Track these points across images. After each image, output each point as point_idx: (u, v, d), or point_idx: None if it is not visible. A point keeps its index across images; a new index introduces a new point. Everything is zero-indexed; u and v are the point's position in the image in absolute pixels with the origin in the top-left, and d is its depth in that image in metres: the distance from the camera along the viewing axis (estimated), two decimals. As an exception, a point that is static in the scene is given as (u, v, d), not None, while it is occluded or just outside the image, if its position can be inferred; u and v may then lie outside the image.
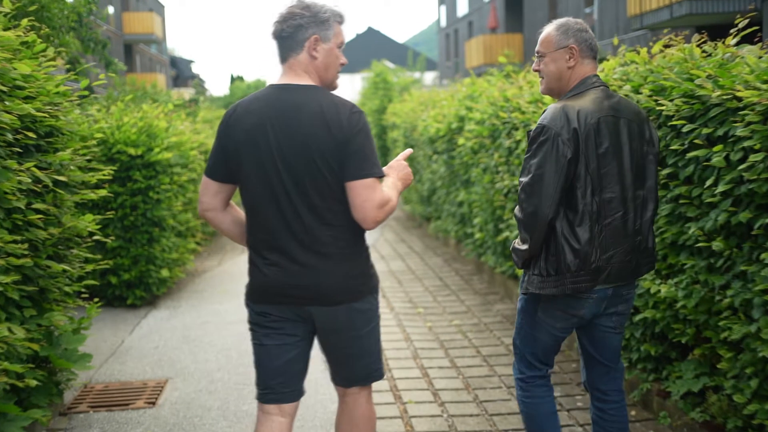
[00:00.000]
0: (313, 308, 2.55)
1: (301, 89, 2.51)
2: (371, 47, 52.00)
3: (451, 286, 7.19)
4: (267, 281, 2.55)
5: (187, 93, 28.88)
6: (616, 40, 4.77)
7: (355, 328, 2.59)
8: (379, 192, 2.47)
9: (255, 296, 2.61)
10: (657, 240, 3.55)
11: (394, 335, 5.62)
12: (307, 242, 2.49)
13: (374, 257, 8.88)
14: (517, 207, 2.75)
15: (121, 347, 5.48)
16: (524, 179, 2.70)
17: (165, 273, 6.57)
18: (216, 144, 2.62)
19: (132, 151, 6.26)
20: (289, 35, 2.52)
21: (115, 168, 6.29)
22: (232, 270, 8.45)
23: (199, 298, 7.02)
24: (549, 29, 2.87)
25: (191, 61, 64.72)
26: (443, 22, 39.27)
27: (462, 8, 35.27)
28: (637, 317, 3.85)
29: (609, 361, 2.96)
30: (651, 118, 3.52)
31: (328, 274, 2.50)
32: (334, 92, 2.63)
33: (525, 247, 2.74)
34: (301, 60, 2.53)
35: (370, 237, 10.75)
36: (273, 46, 2.59)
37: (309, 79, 2.54)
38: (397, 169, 2.69)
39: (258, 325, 2.64)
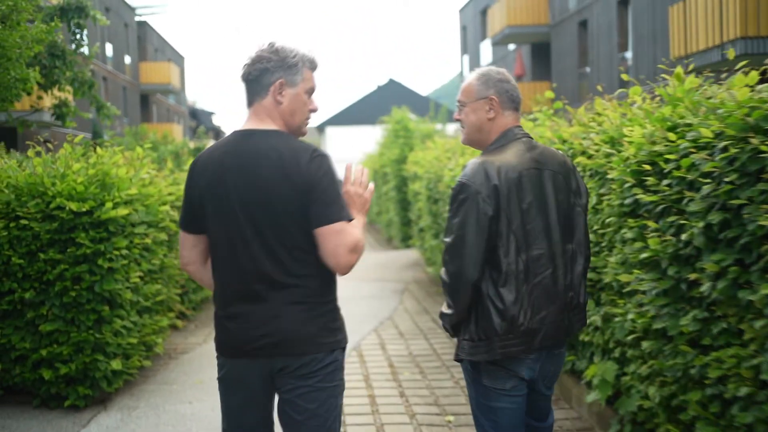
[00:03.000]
0: (278, 360, 2.45)
1: (263, 135, 2.46)
2: (392, 99, 50.88)
3: (489, 380, 5.58)
4: (232, 334, 2.48)
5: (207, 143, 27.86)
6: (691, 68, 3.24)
7: (318, 381, 2.47)
8: (350, 235, 2.39)
9: (224, 350, 2.53)
10: None
11: (415, 463, 4.03)
12: (272, 292, 2.42)
13: (392, 334, 7.30)
14: (443, 269, 2.65)
15: (34, 479, 3.93)
16: (447, 240, 2.62)
17: (117, 365, 5.03)
18: (184, 195, 2.58)
19: (74, 206, 4.79)
20: (255, 78, 2.48)
21: (52, 228, 4.86)
22: (218, 350, 6.89)
23: (165, 393, 5.47)
24: (470, 78, 2.82)
25: (212, 113, 64.23)
26: (466, 72, 38.23)
27: (486, 57, 34.22)
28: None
29: (539, 421, 2.88)
30: None
31: (293, 324, 2.42)
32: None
33: (451, 311, 2.67)
34: (266, 105, 2.49)
35: (387, 307, 9.27)
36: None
37: (273, 125, 2.49)
38: (349, 202, 2.56)
39: (225, 380, 2.56)
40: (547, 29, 25.89)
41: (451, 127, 36.24)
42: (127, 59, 34.86)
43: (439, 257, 9.73)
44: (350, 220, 2.42)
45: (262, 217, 2.38)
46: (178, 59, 46.43)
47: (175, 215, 6.51)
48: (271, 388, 2.53)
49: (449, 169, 8.05)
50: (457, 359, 2.71)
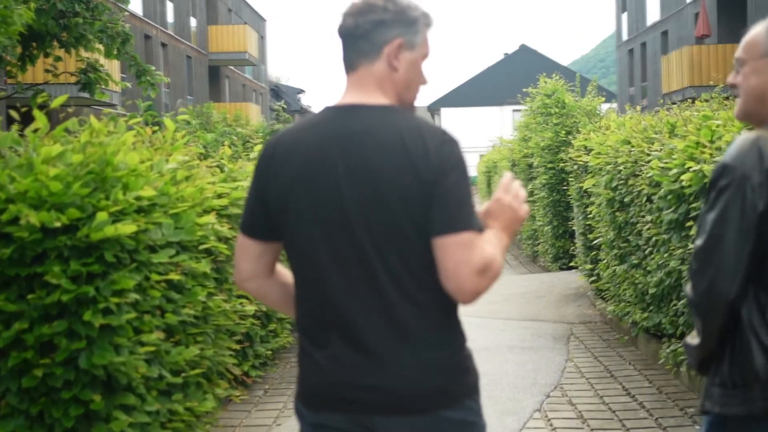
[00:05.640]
0: (384, 419, 2.24)
1: (373, 111, 2.31)
2: (524, 71, 49.74)
3: None
4: (322, 378, 2.29)
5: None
6: None
7: None
8: (480, 251, 2.19)
9: (309, 400, 2.35)
10: None
11: None
12: (383, 322, 2.23)
13: (567, 418, 5.85)
14: (689, 284, 2.46)
15: None
16: (698, 242, 2.42)
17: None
18: (253, 189, 2.39)
19: (41, 218, 3.40)
20: (364, 34, 2.32)
21: (4, 256, 3.49)
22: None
23: None
24: (758, 28, 2.53)
25: (300, 91, 64.25)
26: (624, 35, 36.68)
27: (653, 14, 33.26)
28: None
29: None
30: None
31: (407, 368, 2.22)
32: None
33: (698, 341, 2.47)
34: (377, 71, 2.34)
35: (549, 366, 7.54)
36: (338, 47, 2.40)
37: (383, 98, 2.34)
38: (497, 213, 2.36)
39: None
40: (742, -27, 24.51)
41: (602, 106, 34.87)
42: (193, 22, 34.79)
43: (626, 290, 8.22)
44: (481, 230, 2.25)
45: (377, 217, 2.21)
46: (257, 23, 46.34)
47: (226, 231, 5.08)
48: None
49: (657, 158, 6.40)
50: (703, 411, 2.48)
